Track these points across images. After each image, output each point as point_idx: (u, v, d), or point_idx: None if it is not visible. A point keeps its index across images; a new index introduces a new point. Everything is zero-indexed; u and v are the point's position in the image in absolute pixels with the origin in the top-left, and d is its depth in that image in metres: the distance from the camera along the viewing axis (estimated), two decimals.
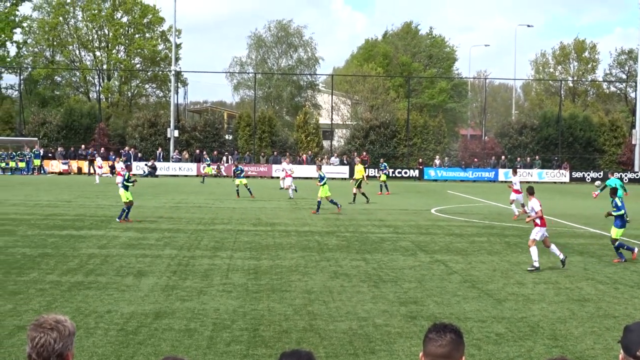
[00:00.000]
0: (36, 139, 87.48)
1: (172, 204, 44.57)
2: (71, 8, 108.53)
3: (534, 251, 22.74)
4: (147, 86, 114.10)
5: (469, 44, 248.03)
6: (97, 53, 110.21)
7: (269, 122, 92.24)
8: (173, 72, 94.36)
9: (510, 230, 33.87)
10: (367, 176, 53.52)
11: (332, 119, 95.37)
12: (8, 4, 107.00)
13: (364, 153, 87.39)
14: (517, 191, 40.08)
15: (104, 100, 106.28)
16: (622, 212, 25.14)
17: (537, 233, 23.07)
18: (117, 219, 33.68)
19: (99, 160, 73.53)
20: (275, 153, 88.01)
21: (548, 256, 25.03)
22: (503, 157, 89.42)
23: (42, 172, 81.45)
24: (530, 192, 24.32)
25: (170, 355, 5.77)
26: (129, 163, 39.71)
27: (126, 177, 35.12)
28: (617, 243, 25.05)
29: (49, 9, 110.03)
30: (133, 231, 30.15)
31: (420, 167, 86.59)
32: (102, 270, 20.96)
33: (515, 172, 42.90)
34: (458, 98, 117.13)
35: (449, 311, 16.74)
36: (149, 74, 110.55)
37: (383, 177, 59.76)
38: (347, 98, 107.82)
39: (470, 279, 20.89)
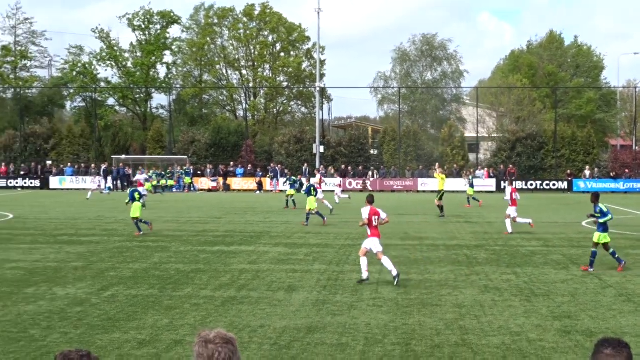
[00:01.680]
0: (186, 157, 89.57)
1: (319, 219, 44.88)
2: (218, 28, 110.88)
3: (363, 262, 21.97)
4: (292, 103, 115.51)
5: (619, 53, 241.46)
6: (244, 72, 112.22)
7: (414, 136, 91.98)
8: (318, 89, 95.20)
9: None
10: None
11: (477, 132, 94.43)
12: (158, 27, 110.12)
13: (511, 165, 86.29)
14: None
15: (251, 117, 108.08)
16: (609, 217, 24.47)
17: (368, 242, 22.12)
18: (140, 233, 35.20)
19: (96, 178, 75.07)
20: (420, 167, 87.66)
21: None
22: None
23: (192, 189, 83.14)
24: (370, 201, 22.65)
25: None
26: (140, 180, 42.55)
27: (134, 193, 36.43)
28: (611, 250, 24.66)
29: (197, 30, 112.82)
30: (282, 247, 30.50)
31: (569, 178, 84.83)
32: (253, 285, 21.26)
33: (511, 183, 41.41)
34: (607, 108, 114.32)
35: (605, 326, 16.34)
36: (294, 91, 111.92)
37: (470, 191, 59.40)
38: (493, 110, 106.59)
39: (626, 292, 20.35)
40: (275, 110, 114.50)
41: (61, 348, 12.37)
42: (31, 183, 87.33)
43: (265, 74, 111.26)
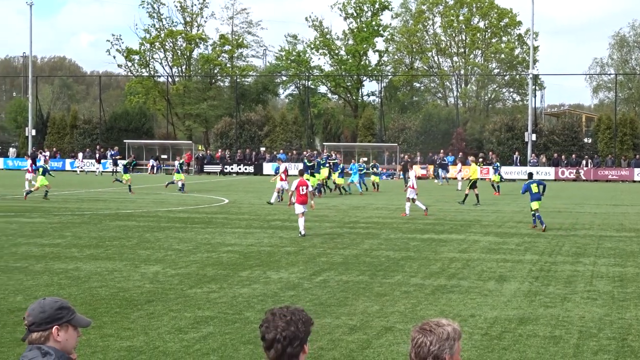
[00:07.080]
0: (396, 144, 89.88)
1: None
2: (430, 15, 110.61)
3: (300, 222, 29.05)
4: (504, 90, 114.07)
5: None
6: (455, 58, 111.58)
7: (631, 124, 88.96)
8: (530, 76, 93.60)
9: None
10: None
11: None
12: (369, 14, 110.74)
13: None
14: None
15: (462, 105, 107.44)
16: None
17: (299, 208, 29.25)
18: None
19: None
20: (637, 156, 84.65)
21: None
22: None
23: (402, 176, 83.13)
24: (300, 173, 32.78)
25: None
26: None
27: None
28: None
29: (408, 17, 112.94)
30: (493, 236, 30.17)
31: None
32: (463, 274, 21.11)
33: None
34: None
35: None
36: (506, 78, 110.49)
37: (495, 178, 60.44)
38: None
39: None
40: (486, 97, 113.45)
41: None
42: (245, 169, 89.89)
43: (477, 60, 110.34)
